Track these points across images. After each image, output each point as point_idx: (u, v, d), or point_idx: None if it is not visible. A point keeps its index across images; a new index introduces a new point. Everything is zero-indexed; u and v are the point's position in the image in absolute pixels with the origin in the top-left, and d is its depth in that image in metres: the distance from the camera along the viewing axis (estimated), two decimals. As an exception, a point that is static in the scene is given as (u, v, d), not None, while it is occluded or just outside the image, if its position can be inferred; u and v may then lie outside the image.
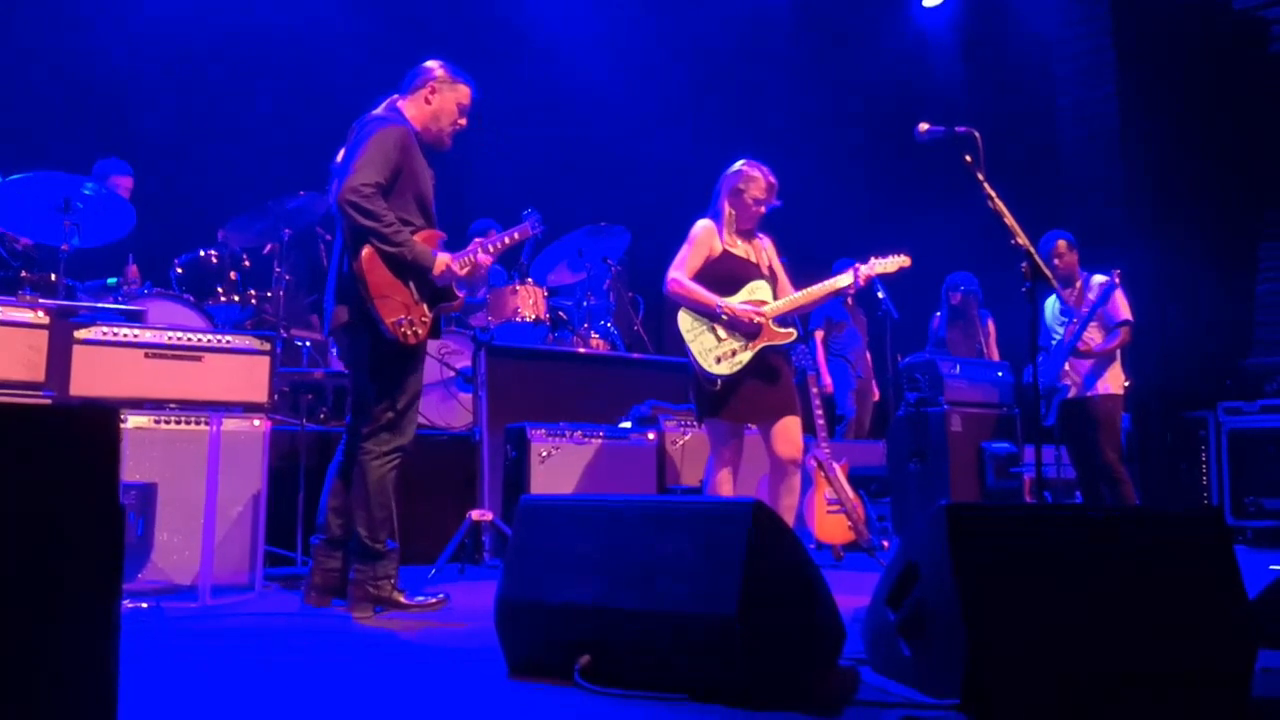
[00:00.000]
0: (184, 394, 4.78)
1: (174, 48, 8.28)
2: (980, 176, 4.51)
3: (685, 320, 5.04)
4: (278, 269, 6.59)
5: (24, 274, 6.03)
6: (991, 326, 8.93)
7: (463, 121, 4.56)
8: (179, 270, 6.64)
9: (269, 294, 6.67)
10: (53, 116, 7.79)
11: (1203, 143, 9.14)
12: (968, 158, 4.54)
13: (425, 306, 4.32)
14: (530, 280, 7.24)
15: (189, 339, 4.82)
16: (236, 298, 6.63)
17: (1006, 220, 4.49)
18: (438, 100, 4.49)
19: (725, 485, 5.07)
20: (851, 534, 6.39)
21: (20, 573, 1.72)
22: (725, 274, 5.07)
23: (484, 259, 4.55)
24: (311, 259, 7.31)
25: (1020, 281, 4.50)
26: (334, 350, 6.47)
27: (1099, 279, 6.88)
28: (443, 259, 4.33)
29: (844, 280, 5.22)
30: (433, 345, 6.63)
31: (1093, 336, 6.77)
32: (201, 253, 6.65)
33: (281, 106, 8.38)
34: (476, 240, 4.65)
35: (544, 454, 6.23)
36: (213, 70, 8.49)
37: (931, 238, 9.22)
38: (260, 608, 4.49)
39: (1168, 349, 8.36)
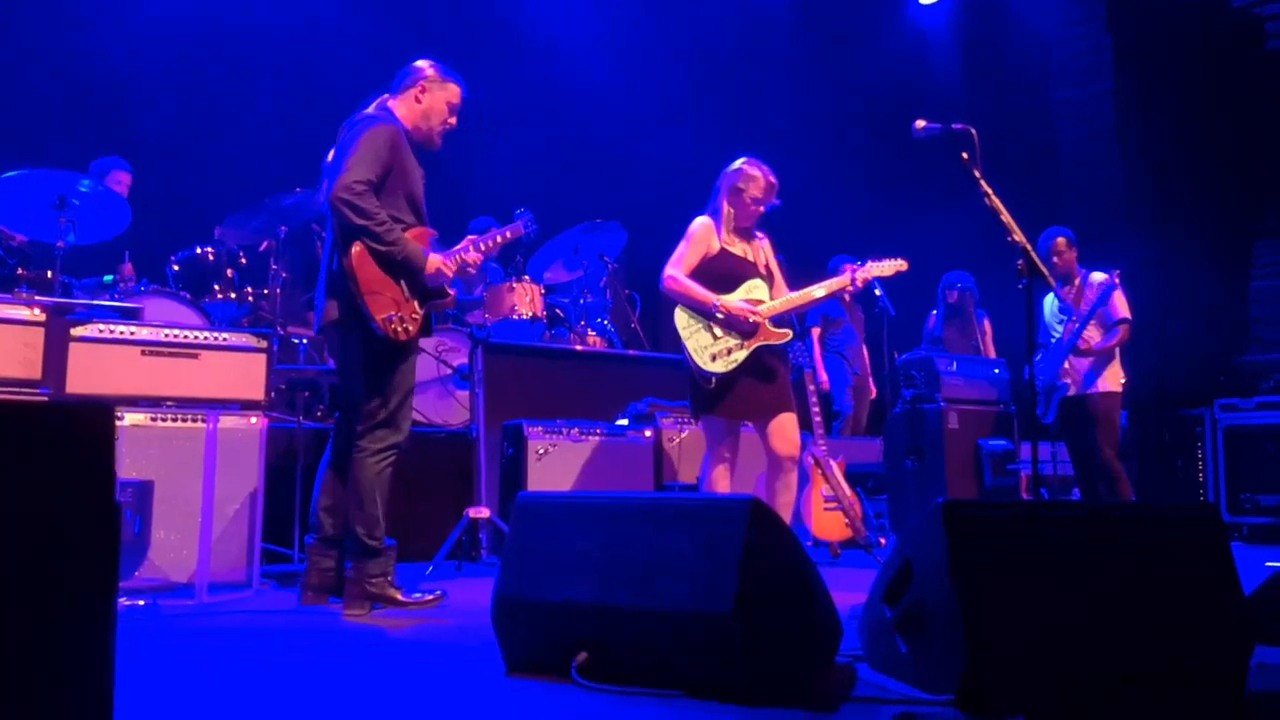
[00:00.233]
0: (181, 391, 4.78)
1: (171, 46, 8.27)
2: (977, 173, 4.51)
3: (682, 317, 5.04)
4: (274, 266, 6.59)
5: (20, 271, 6.03)
6: (988, 325, 8.94)
7: (453, 120, 4.57)
8: (175, 268, 6.63)
9: (265, 291, 6.66)
10: (50, 115, 7.78)
11: (1200, 141, 9.14)
12: (964, 155, 4.54)
13: (416, 303, 4.33)
14: (527, 278, 7.24)
15: (185, 336, 4.82)
16: (233, 295, 6.63)
17: (1003, 217, 4.49)
18: (428, 99, 4.50)
19: (722, 483, 5.07)
20: (849, 531, 6.40)
21: (14, 570, 1.72)
22: (722, 272, 5.07)
23: (474, 257, 4.56)
24: (308, 256, 7.30)
25: (1017, 279, 4.50)
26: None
27: (1098, 277, 6.89)
28: (434, 259, 4.34)
29: (840, 283, 5.23)
30: (430, 343, 6.64)
31: (1092, 335, 6.78)
32: (198, 250, 6.65)
33: (279, 104, 8.38)
34: (469, 238, 4.66)
35: (541, 451, 6.23)
36: (210, 68, 8.48)
37: (930, 237, 9.25)
38: (257, 605, 4.49)
39: (1164, 346, 8.36)
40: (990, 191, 4.50)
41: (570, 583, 2.97)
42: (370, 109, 4.48)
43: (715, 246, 5.11)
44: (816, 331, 9.17)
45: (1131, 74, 9.06)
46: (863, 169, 10.54)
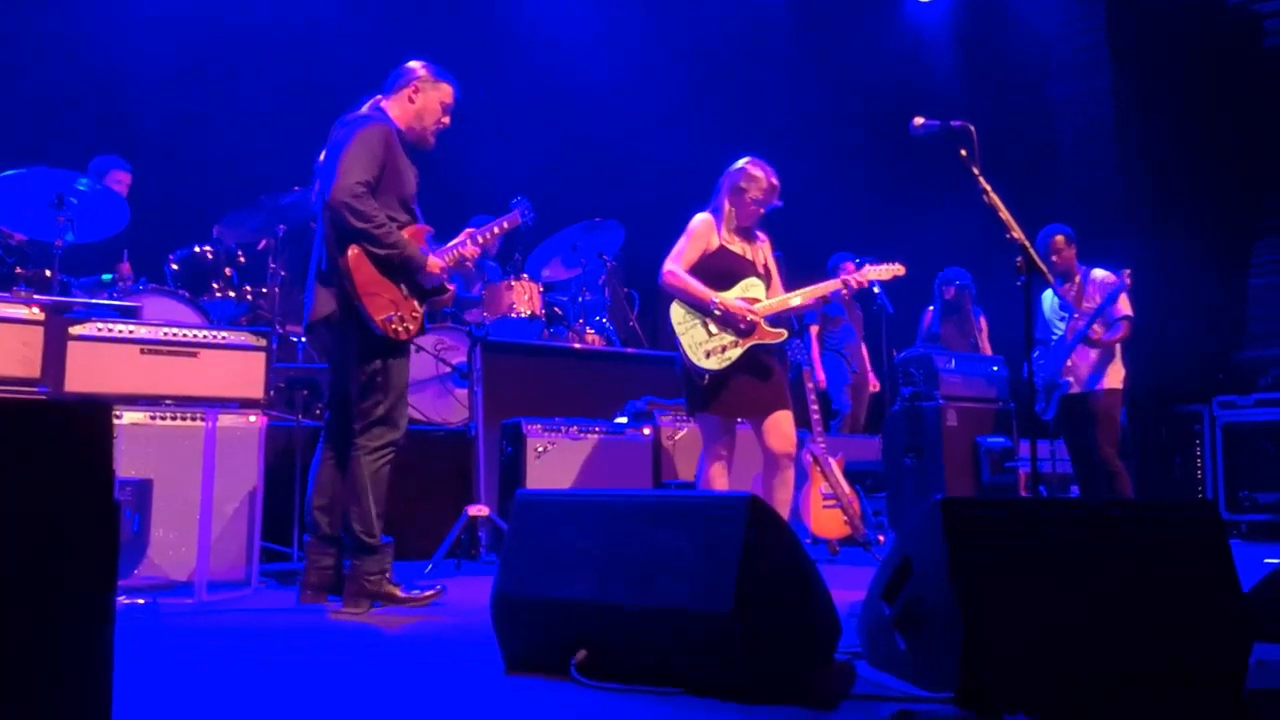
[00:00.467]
0: (179, 390, 4.78)
1: (170, 45, 8.27)
2: (975, 171, 4.51)
3: (678, 312, 5.05)
4: (273, 265, 6.58)
5: (18, 270, 6.02)
6: (983, 322, 8.94)
7: (446, 120, 4.58)
8: (174, 266, 6.63)
9: (264, 290, 6.66)
10: (49, 114, 7.78)
11: (1199, 138, 9.15)
12: (963, 152, 4.54)
13: (415, 302, 4.33)
14: (525, 276, 7.24)
15: (184, 335, 4.82)
16: (232, 293, 6.62)
17: (1002, 214, 4.50)
18: (421, 99, 4.50)
19: (719, 482, 5.08)
20: (847, 529, 6.40)
21: (13, 569, 1.72)
22: (721, 269, 5.08)
23: (471, 250, 4.57)
24: (306, 255, 7.25)
25: (1016, 276, 4.50)
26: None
27: (1099, 274, 6.90)
28: (434, 262, 4.35)
29: (836, 285, 5.25)
30: (429, 341, 6.65)
31: (1094, 331, 6.78)
32: (197, 249, 6.64)
33: (277, 103, 8.37)
34: (467, 230, 4.66)
35: (540, 449, 6.23)
36: (209, 67, 8.47)
37: (930, 236, 9.26)
38: (256, 604, 4.49)
39: (1163, 343, 8.37)
40: (989, 189, 4.50)
41: (569, 581, 2.97)
42: (364, 109, 4.49)
43: (715, 243, 5.12)
44: (815, 329, 9.17)
45: (1130, 71, 9.07)
46: (862, 168, 10.54)
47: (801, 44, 10.95)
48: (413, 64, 4.56)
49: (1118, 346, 6.82)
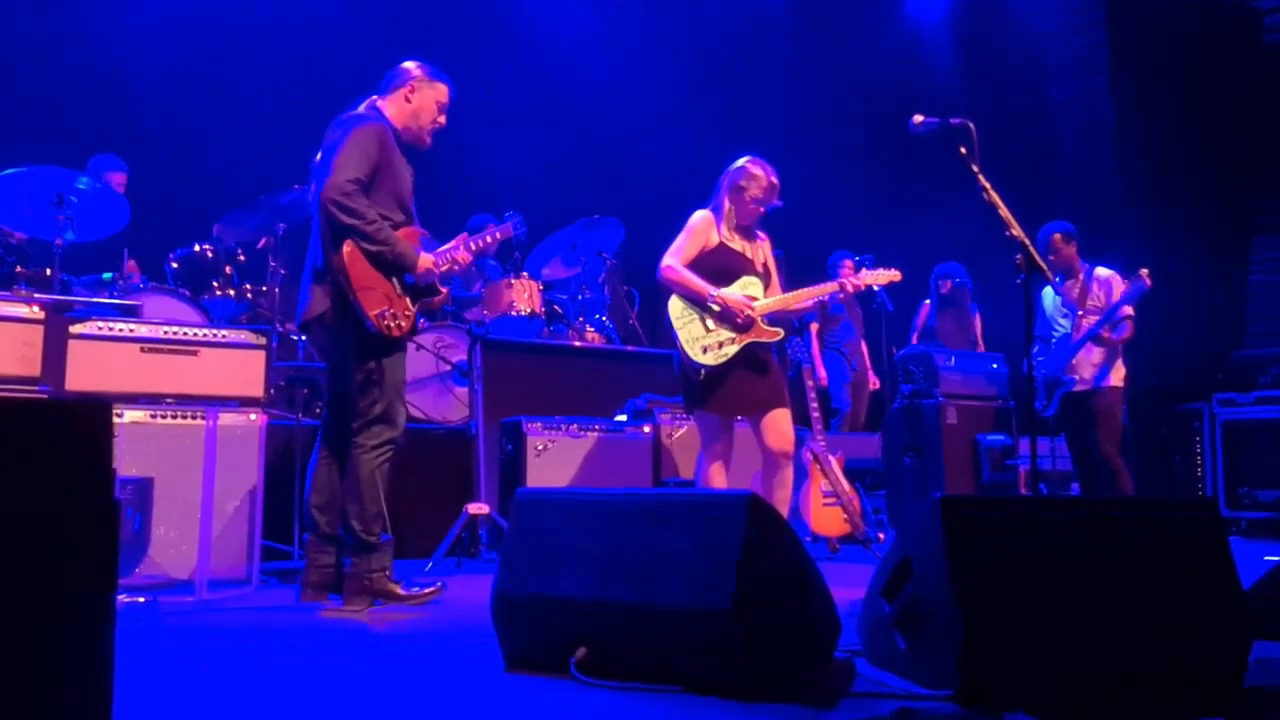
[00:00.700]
0: (180, 389, 4.79)
1: (170, 44, 8.26)
2: (975, 168, 4.52)
3: (675, 307, 5.06)
4: (273, 263, 6.59)
5: (19, 269, 6.03)
6: (978, 320, 8.95)
7: (442, 119, 4.60)
8: (174, 265, 6.63)
9: (264, 288, 6.66)
10: (49, 112, 7.78)
11: (1198, 136, 9.14)
12: (962, 149, 4.54)
13: (408, 300, 4.34)
14: (525, 274, 7.24)
15: (184, 334, 4.83)
16: (232, 292, 6.63)
17: (1001, 212, 4.50)
18: (417, 99, 4.52)
19: (717, 481, 5.08)
20: (847, 526, 6.41)
21: (13, 569, 1.72)
22: (720, 266, 5.08)
23: (463, 256, 4.57)
24: (306, 254, 7.30)
25: (1015, 273, 4.51)
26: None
27: (1103, 272, 6.91)
28: (425, 259, 4.35)
29: (833, 288, 5.26)
30: (429, 339, 6.65)
31: (1104, 330, 6.77)
32: (196, 247, 6.65)
33: (277, 101, 8.37)
34: (460, 237, 4.67)
35: (540, 447, 6.24)
36: (208, 66, 8.47)
37: (930, 235, 9.26)
38: (257, 602, 4.50)
39: (1162, 341, 8.37)
40: (988, 186, 4.51)
41: (569, 579, 2.98)
42: (360, 109, 4.51)
43: (714, 240, 5.12)
44: (815, 327, 9.18)
45: (1130, 70, 9.06)
46: (862, 168, 10.55)
47: (801, 44, 10.95)
48: (408, 64, 4.58)
49: (1119, 344, 6.83)
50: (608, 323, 7.82)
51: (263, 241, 6.73)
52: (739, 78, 10.77)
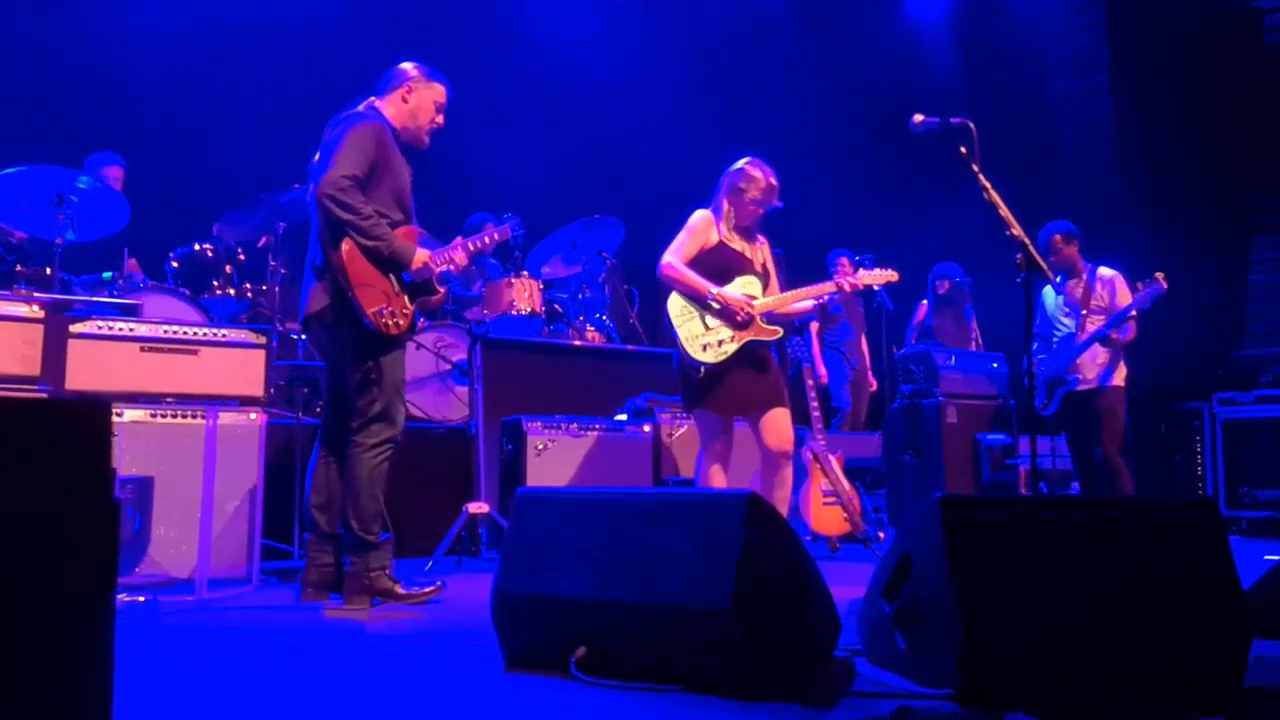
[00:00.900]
0: (180, 388, 4.79)
1: (170, 43, 8.26)
2: (975, 168, 4.51)
3: (675, 304, 5.06)
4: (273, 262, 6.58)
5: (19, 268, 6.03)
6: (974, 324, 8.95)
7: (440, 119, 4.61)
8: (174, 264, 6.63)
9: (264, 287, 6.66)
10: (49, 112, 7.78)
11: (1198, 135, 9.14)
12: (962, 149, 4.54)
13: (406, 298, 4.34)
14: (525, 273, 7.24)
15: (184, 333, 4.83)
16: (232, 291, 6.63)
17: (1001, 211, 4.50)
18: (414, 99, 4.54)
19: (717, 481, 5.08)
20: (847, 525, 6.41)
21: (12, 569, 1.72)
22: (720, 265, 5.09)
23: (460, 257, 4.58)
24: (306, 252, 7.30)
25: (1015, 273, 4.51)
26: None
27: (1106, 272, 6.91)
28: (421, 255, 4.36)
29: (830, 288, 5.26)
30: (429, 338, 6.65)
31: (1096, 328, 6.77)
32: (196, 246, 6.65)
33: (277, 100, 8.37)
34: (458, 238, 4.67)
35: (540, 447, 6.24)
36: (208, 64, 8.47)
37: (930, 235, 9.26)
38: (257, 601, 4.50)
39: (1163, 340, 8.37)
40: (988, 186, 4.51)
41: (569, 578, 2.98)
42: (358, 109, 4.51)
43: (714, 239, 5.13)
44: (815, 327, 9.18)
45: (1129, 68, 9.06)
46: (862, 168, 10.55)
47: (801, 44, 10.95)
48: (405, 65, 4.60)
49: (1125, 345, 6.83)
50: (608, 322, 7.82)
51: (263, 240, 6.73)
52: (739, 78, 10.77)
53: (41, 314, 4.58)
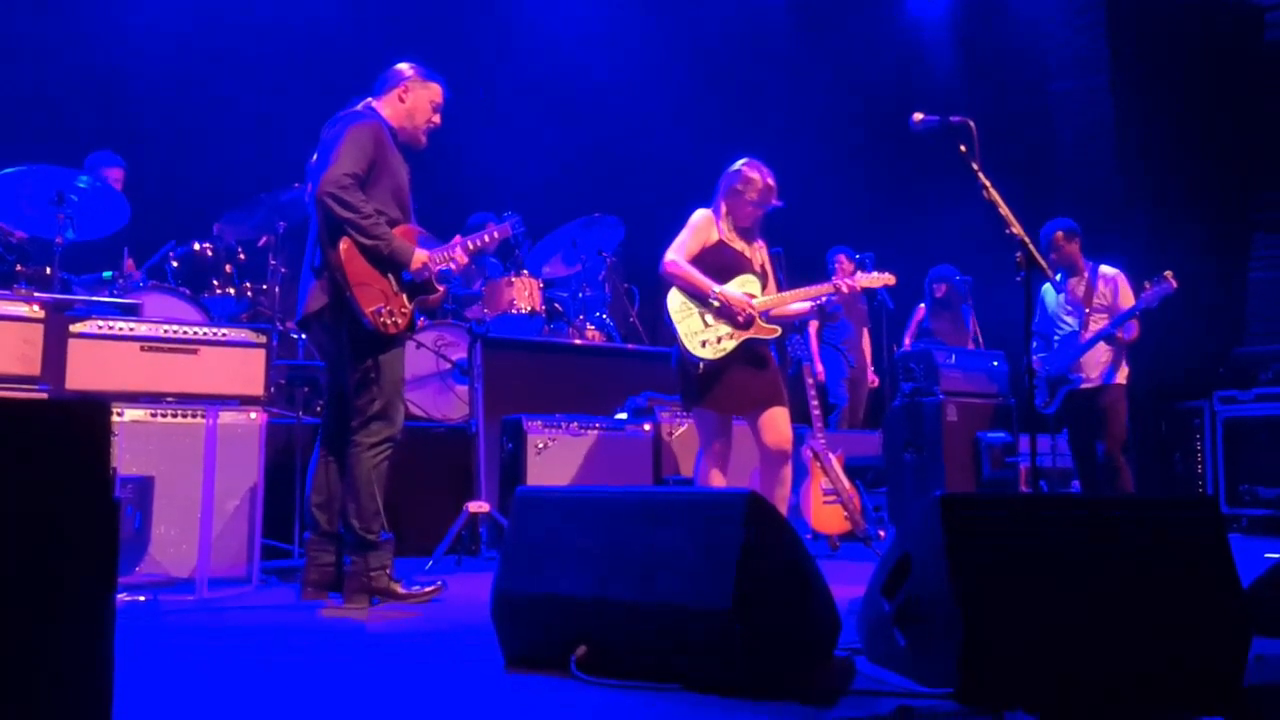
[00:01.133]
0: (180, 387, 4.78)
1: (170, 42, 8.26)
2: (975, 166, 4.51)
3: (675, 300, 5.07)
4: (273, 262, 6.59)
5: (19, 268, 6.03)
6: (974, 323, 8.95)
7: (436, 119, 4.62)
8: (174, 263, 6.63)
9: (264, 287, 6.66)
10: (49, 111, 7.78)
11: (1198, 133, 9.14)
12: (962, 147, 4.54)
13: (405, 297, 4.35)
14: (526, 272, 7.24)
15: (185, 332, 4.82)
16: (232, 290, 6.63)
17: (1001, 210, 4.50)
18: (411, 99, 4.55)
19: (716, 480, 5.09)
20: (847, 524, 6.41)
21: (12, 569, 1.72)
22: (719, 264, 5.10)
23: (460, 256, 4.57)
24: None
25: (1015, 272, 4.51)
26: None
27: (1108, 270, 6.90)
28: (420, 255, 4.36)
29: (828, 289, 5.27)
30: (429, 337, 6.65)
31: (1100, 327, 6.77)
32: (197, 246, 6.65)
33: (277, 99, 8.37)
34: (457, 237, 4.67)
35: (540, 445, 6.24)
36: (208, 65, 8.47)
37: (930, 234, 9.25)
38: (257, 600, 4.50)
39: (1162, 339, 8.37)
40: (988, 184, 4.50)
41: (569, 577, 2.98)
42: (356, 109, 4.52)
43: (714, 237, 5.14)
44: (814, 325, 9.18)
45: (1130, 67, 9.06)
46: (862, 167, 10.55)
47: (801, 44, 10.94)
48: (401, 65, 4.61)
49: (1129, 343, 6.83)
50: (608, 321, 7.82)
51: (263, 240, 6.73)
52: (739, 78, 10.77)
53: (42, 313, 4.58)
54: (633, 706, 2.60)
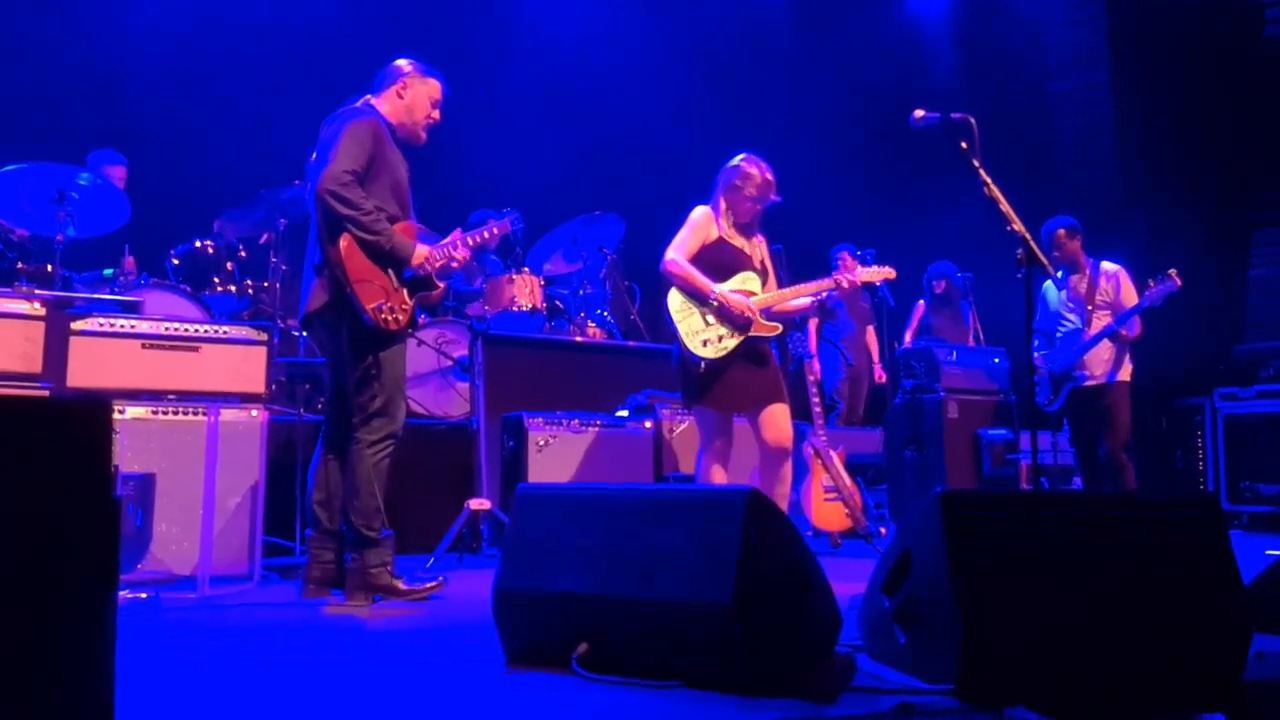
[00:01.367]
0: (181, 385, 4.79)
1: (170, 40, 8.27)
2: (976, 163, 4.51)
3: (675, 299, 5.07)
4: (274, 259, 6.59)
5: (20, 265, 6.04)
6: (974, 318, 8.95)
7: (435, 115, 4.62)
8: (175, 261, 6.64)
9: (265, 284, 6.67)
10: (50, 109, 7.78)
11: (1198, 130, 9.13)
12: (963, 144, 4.54)
13: (405, 293, 4.35)
14: (526, 269, 7.25)
15: (186, 330, 4.83)
16: (233, 288, 6.64)
17: (1002, 207, 4.50)
18: (410, 95, 4.55)
19: (717, 478, 5.08)
20: (849, 521, 6.41)
21: (12, 569, 1.72)
22: (719, 261, 5.09)
23: (461, 253, 4.57)
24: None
25: (1016, 269, 4.51)
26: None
27: (1109, 267, 6.90)
28: (421, 251, 4.36)
29: (829, 285, 5.27)
30: (430, 334, 6.66)
31: (1104, 323, 6.77)
32: (198, 243, 6.65)
33: (277, 97, 8.37)
34: (456, 231, 4.67)
35: (541, 443, 6.24)
36: (208, 61, 8.48)
37: (930, 232, 9.25)
38: (259, 598, 4.50)
39: (1163, 336, 8.38)
40: (989, 181, 4.50)
41: (570, 574, 2.98)
42: (355, 106, 4.52)
43: (714, 235, 5.14)
44: (814, 322, 9.18)
45: (1130, 65, 9.06)
46: (862, 166, 10.55)
47: (801, 43, 10.95)
48: (399, 62, 4.61)
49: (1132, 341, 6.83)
50: (609, 318, 7.82)
51: (264, 237, 6.74)
52: (739, 77, 10.77)
53: (43, 311, 4.59)
54: (634, 704, 2.60)
